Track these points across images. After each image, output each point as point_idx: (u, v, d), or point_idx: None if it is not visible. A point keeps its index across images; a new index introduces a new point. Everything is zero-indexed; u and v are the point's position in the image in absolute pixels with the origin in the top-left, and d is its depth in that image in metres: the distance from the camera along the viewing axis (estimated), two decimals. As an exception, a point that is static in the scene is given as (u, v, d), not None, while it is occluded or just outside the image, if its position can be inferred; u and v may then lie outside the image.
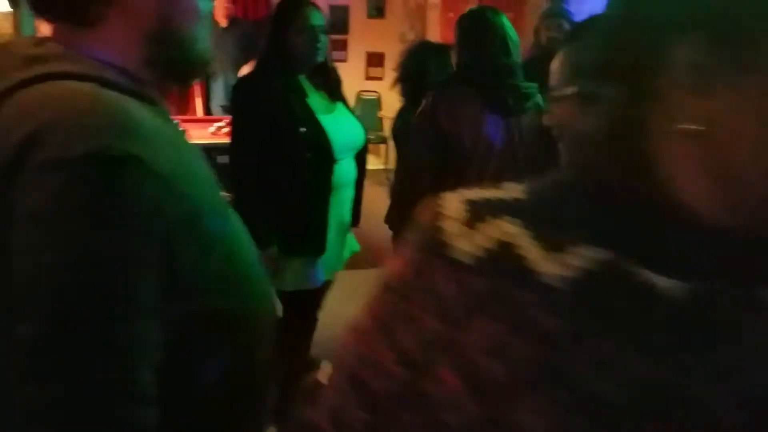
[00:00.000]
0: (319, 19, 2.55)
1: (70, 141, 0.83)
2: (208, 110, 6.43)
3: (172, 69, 1.03)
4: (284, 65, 2.52)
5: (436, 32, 6.69)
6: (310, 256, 2.59)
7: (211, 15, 1.08)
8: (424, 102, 2.63)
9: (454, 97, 2.54)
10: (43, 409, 0.82)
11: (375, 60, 8.67)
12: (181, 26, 1.01)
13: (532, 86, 2.61)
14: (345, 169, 2.60)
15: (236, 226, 1.12)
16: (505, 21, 2.59)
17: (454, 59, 2.80)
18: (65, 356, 0.83)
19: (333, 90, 2.68)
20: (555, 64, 1.08)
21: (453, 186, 2.40)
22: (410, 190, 2.54)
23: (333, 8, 8.45)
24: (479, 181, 2.40)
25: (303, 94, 2.54)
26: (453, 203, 0.69)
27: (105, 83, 0.92)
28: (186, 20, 1.01)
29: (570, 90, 1.03)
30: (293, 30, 2.50)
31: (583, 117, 1.02)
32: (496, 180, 2.36)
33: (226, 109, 6.55)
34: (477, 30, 2.58)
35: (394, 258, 0.74)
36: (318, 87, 2.63)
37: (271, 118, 2.46)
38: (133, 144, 0.85)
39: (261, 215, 2.42)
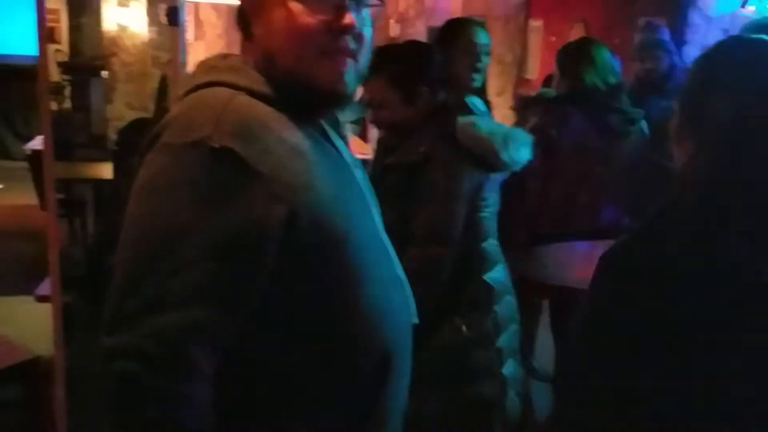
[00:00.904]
0: (484, 38, 2.47)
1: (182, 131, 0.94)
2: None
3: (285, 93, 1.03)
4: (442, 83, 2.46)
5: (537, 55, 6.68)
6: None
7: (349, 53, 1.05)
8: (535, 117, 2.79)
9: (563, 114, 2.71)
10: (105, 356, 0.91)
11: (471, 81, 8.69)
12: (281, 54, 1.03)
13: (638, 112, 2.78)
14: None
15: (372, 252, 1.09)
16: (605, 52, 2.78)
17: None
18: (127, 315, 0.90)
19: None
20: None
21: (556, 198, 2.51)
22: (517, 196, 2.63)
23: (431, 30, 8.54)
24: (581, 195, 2.52)
25: (454, 114, 2.46)
26: None
27: (253, 93, 1.00)
28: (285, 49, 1.02)
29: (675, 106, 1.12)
30: (457, 47, 2.44)
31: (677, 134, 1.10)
32: (597, 197, 2.46)
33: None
34: (579, 58, 2.75)
35: None
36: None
37: None
38: (235, 141, 0.92)
39: None
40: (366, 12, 1.07)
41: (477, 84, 2.49)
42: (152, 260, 0.91)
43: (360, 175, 1.16)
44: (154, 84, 5.36)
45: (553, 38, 6.14)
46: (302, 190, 0.97)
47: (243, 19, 1.07)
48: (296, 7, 1.00)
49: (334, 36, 1.02)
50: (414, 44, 2.20)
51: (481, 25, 2.54)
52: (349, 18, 1.01)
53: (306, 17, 1.00)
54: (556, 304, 3.04)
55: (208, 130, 0.92)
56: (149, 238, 0.92)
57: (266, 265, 0.95)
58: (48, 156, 1.91)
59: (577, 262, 2.54)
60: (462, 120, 1.95)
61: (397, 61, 1.97)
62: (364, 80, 1.84)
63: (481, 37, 2.48)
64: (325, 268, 1.00)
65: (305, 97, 1.04)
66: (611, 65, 2.76)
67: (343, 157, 1.13)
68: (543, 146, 2.64)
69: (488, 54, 2.50)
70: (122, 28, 5.66)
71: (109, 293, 0.93)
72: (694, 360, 0.97)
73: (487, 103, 2.66)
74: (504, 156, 1.90)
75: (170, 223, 0.91)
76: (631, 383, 1.00)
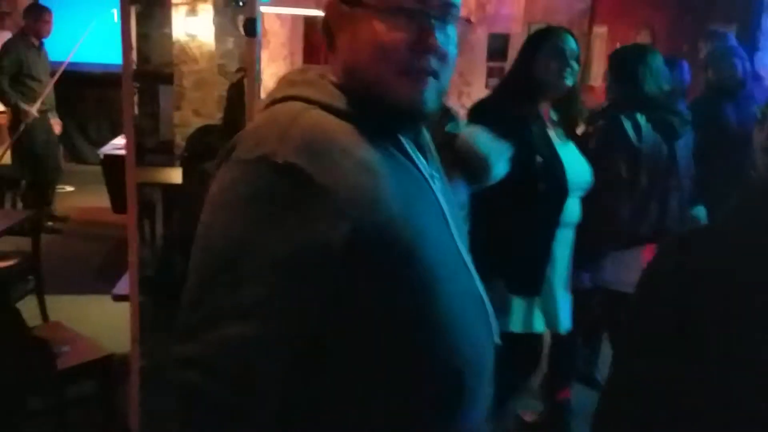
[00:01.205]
0: (572, 44, 2.45)
1: (250, 146, 0.96)
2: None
3: (362, 107, 1.03)
4: (528, 90, 2.44)
5: (601, 62, 6.60)
6: (526, 297, 2.43)
7: (432, 72, 1.03)
8: (602, 123, 2.81)
9: (635, 120, 2.72)
10: (172, 364, 0.93)
11: (531, 87, 8.63)
12: (362, 70, 1.02)
13: (688, 113, 2.89)
14: (572, 208, 2.48)
15: (446, 267, 1.05)
16: (659, 58, 2.85)
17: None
18: (192, 325, 0.93)
19: (571, 123, 2.58)
20: None
21: (630, 204, 2.46)
22: (609, 204, 2.65)
23: (492, 36, 8.53)
24: (649, 197, 2.55)
25: (543, 123, 2.45)
26: None
27: (326, 107, 1.00)
28: (366, 65, 1.02)
29: None
30: (543, 52, 2.42)
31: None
32: (662, 196, 2.45)
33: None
34: (637, 64, 2.79)
35: None
36: (557, 118, 2.53)
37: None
38: (300, 156, 0.92)
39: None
40: (452, 29, 1.04)
41: (569, 83, 2.44)
42: (216, 273, 0.92)
43: (440, 189, 1.13)
44: (220, 92, 5.46)
45: (618, 45, 6.05)
46: (368, 206, 0.95)
47: (327, 31, 1.08)
48: (380, 25, 0.99)
49: (416, 56, 1.00)
50: None
51: (570, 32, 2.52)
52: (433, 39, 1.00)
53: (389, 36, 0.99)
54: (614, 313, 3.00)
55: (274, 145, 0.93)
56: (214, 251, 0.94)
57: (329, 280, 0.94)
58: (130, 161, 1.98)
59: (637, 267, 2.50)
60: (463, 130, 1.93)
61: None
62: None
63: (570, 44, 2.45)
64: (391, 283, 0.98)
65: (383, 112, 1.03)
66: (665, 71, 2.82)
67: (420, 171, 1.10)
68: (627, 154, 2.68)
69: (577, 61, 2.46)
70: (191, 37, 5.81)
71: (182, 303, 0.96)
72: (733, 365, 0.96)
73: (576, 110, 2.62)
74: (495, 172, 1.85)
75: (233, 238, 0.92)
76: (662, 378, 1.01)
